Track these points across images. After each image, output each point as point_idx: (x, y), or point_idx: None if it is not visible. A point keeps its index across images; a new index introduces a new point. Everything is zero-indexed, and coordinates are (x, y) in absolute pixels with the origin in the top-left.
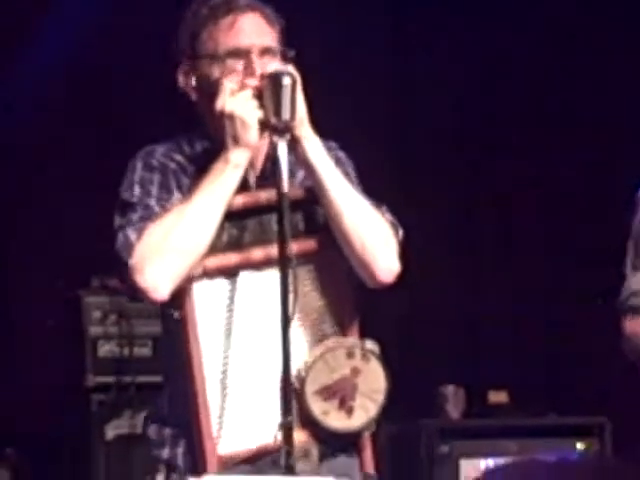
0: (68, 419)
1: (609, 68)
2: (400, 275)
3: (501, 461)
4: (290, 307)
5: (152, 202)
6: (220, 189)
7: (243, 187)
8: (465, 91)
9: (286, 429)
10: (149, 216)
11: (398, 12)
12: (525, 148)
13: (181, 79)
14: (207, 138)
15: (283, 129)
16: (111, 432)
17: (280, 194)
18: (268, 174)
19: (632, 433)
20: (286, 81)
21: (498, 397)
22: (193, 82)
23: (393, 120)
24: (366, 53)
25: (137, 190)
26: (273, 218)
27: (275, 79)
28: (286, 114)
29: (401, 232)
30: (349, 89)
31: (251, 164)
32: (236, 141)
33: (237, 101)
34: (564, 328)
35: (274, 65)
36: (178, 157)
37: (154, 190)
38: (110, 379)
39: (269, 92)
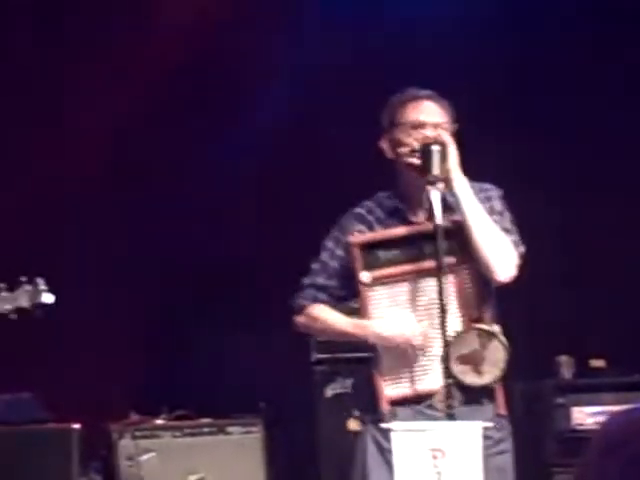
0: (299, 383)
1: None
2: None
3: (600, 409)
4: (444, 298)
5: (331, 264)
6: (345, 337)
7: (409, 222)
8: None
9: (447, 388)
10: (316, 281)
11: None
12: None
13: (383, 143)
14: (398, 197)
15: (434, 181)
16: (329, 391)
17: (435, 225)
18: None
19: None
20: (435, 148)
21: (597, 363)
22: (389, 144)
23: None
24: None
25: (325, 254)
26: (433, 241)
27: (427, 147)
28: (436, 171)
29: (522, 248)
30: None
31: (420, 205)
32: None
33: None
34: None
35: (432, 134)
36: (378, 213)
37: (339, 252)
38: (327, 356)
39: (425, 156)
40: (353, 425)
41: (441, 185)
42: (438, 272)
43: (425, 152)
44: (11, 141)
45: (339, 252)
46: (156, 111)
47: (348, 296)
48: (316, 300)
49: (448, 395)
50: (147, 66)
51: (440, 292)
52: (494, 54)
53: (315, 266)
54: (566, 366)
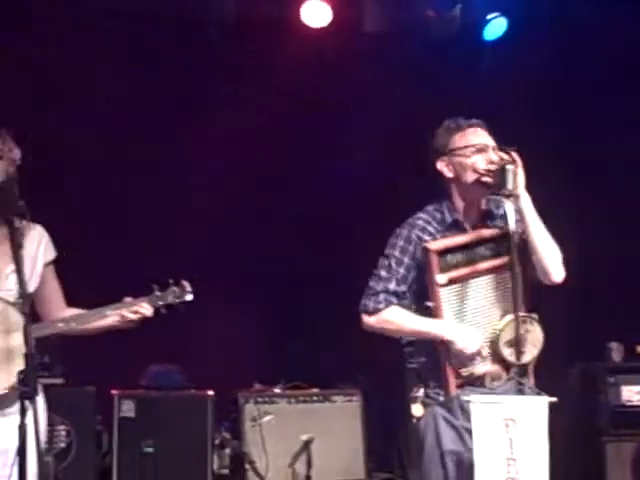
0: (392, 360)
1: None
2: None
3: None
4: (518, 292)
5: (400, 271)
6: (419, 335)
7: (465, 231)
8: None
9: (522, 367)
10: (388, 287)
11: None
12: None
13: (439, 165)
14: (452, 210)
15: (508, 195)
16: None
17: (509, 232)
18: (482, 221)
19: None
20: (509, 167)
21: None
22: (449, 166)
23: None
24: None
25: (393, 262)
26: (490, 246)
27: (503, 166)
28: (510, 186)
29: (561, 253)
30: None
31: (474, 216)
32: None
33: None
34: None
35: (502, 156)
36: (434, 225)
37: (406, 260)
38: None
39: (500, 174)
40: (416, 410)
41: (512, 199)
42: (512, 271)
43: (503, 171)
44: None
45: (406, 260)
46: None
47: (411, 299)
48: (390, 304)
49: (522, 373)
50: None
51: (514, 287)
52: None
53: (384, 273)
54: (616, 351)
